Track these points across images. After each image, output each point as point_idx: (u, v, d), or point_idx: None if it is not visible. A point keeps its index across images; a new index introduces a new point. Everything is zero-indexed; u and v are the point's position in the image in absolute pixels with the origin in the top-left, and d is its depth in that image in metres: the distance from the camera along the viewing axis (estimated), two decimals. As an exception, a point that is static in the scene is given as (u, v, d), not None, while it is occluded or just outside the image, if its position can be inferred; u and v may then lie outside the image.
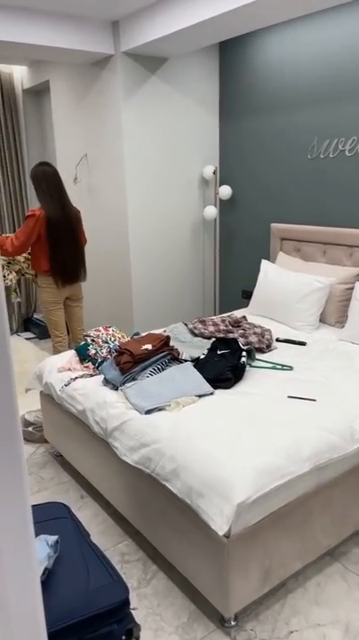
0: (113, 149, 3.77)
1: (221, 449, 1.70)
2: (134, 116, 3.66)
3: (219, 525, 1.51)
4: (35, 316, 5.16)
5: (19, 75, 4.75)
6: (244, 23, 2.92)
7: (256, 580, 1.71)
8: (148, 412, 1.99)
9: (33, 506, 1.89)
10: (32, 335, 5.00)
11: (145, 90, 3.66)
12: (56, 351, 3.36)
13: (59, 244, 3.15)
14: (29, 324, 5.10)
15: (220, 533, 1.50)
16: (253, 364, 2.47)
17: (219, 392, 2.17)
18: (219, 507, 1.54)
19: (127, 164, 3.70)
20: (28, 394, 3.39)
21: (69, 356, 2.62)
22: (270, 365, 2.45)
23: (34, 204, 4.92)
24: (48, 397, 2.63)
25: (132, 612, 1.52)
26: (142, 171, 3.79)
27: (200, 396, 2.11)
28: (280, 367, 2.44)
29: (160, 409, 2.02)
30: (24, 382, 3.62)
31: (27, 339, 4.90)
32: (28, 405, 3.34)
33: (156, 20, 3.13)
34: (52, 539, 1.55)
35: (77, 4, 3.08)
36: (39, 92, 4.88)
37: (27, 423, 2.98)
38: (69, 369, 2.50)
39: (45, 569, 1.46)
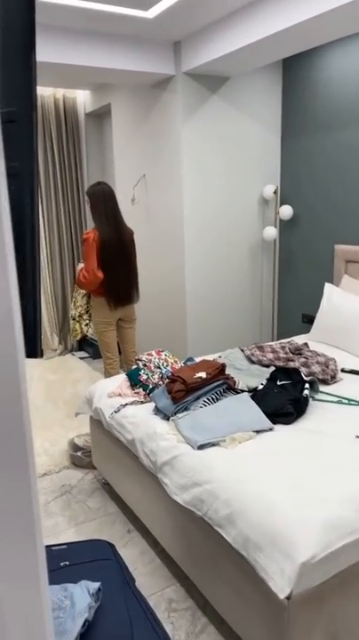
0: (171, 170, 3.72)
1: (282, 495, 1.52)
2: (194, 137, 3.59)
3: (281, 587, 1.33)
4: (89, 335, 5.15)
5: (82, 99, 4.84)
6: (308, 39, 2.79)
7: (319, 647, 1.50)
8: (201, 447, 1.84)
9: (76, 542, 1.77)
10: (86, 355, 4.99)
11: (205, 110, 3.60)
12: (107, 373, 3.28)
13: (114, 266, 3.09)
14: (84, 343, 5.10)
15: (281, 596, 1.32)
16: (317, 397, 2.27)
17: (278, 428, 1.99)
18: (279, 565, 1.36)
19: (185, 184, 3.63)
20: (79, 417, 3.33)
21: (120, 380, 2.53)
22: (336, 399, 2.24)
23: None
24: (97, 423, 2.54)
25: None
26: (200, 191, 3.70)
27: (258, 432, 1.93)
28: (346, 401, 2.22)
29: (214, 444, 1.86)
30: (75, 403, 3.58)
31: (80, 358, 4.89)
32: (78, 429, 3.28)
33: (218, 39, 3.06)
34: (94, 586, 1.42)
35: (140, 26, 3.08)
36: (100, 116, 4.95)
37: (76, 448, 2.91)
38: (120, 394, 2.40)
39: (86, 621, 1.33)
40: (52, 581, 1.49)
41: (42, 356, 0.76)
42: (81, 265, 3.22)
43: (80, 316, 3.37)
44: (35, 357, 0.78)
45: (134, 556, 2.17)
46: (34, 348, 0.77)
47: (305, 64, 3.65)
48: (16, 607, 0.48)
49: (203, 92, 3.57)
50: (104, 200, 3.07)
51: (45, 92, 4.59)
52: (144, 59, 3.38)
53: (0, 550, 0.46)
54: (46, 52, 3.08)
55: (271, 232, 3.85)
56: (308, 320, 3.90)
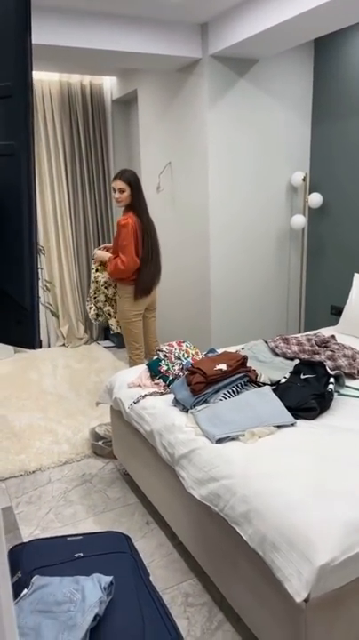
0: (197, 156, 3.64)
1: (302, 494, 1.46)
2: (220, 122, 3.50)
3: (296, 590, 1.27)
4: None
5: (109, 85, 4.80)
6: (342, 17, 2.66)
7: (339, 652, 1.44)
8: (220, 440, 1.79)
9: (91, 534, 1.76)
10: (111, 344, 4.99)
11: (232, 94, 3.50)
12: (133, 364, 3.26)
13: (150, 252, 3.11)
14: (109, 332, 5.10)
15: (297, 600, 1.27)
16: (342, 391, 2.18)
17: (301, 423, 1.92)
18: (296, 566, 1.30)
19: (211, 171, 3.55)
20: (101, 406, 3.33)
21: (140, 371, 2.49)
22: (362, 394, 2.15)
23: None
24: (118, 413, 2.52)
25: None
26: (227, 178, 3.62)
27: (279, 427, 1.87)
28: (374, 397, 2.13)
29: (233, 438, 1.81)
30: (99, 393, 3.57)
31: (105, 347, 4.89)
32: (100, 418, 3.28)
33: (247, 19, 2.95)
34: (106, 580, 1.40)
35: (166, 8, 3.00)
36: (127, 102, 4.89)
37: (97, 437, 2.90)
38: (139, 385, 2.37)
39: (96, 615, 1.30)
40: (65, 573, 1.47)
41: (40, 346, 0.71)
42: (104, 253, 3.19)
43: (101, 308, 3.33)
44: (33, 348, 0.75)
45: (152, 548, 2.15)
46: (32, 338, 0.74)
47: (338, 44, 3.50)
48: None
49: (231, 76, 3.46)
50: (140, 186, 3.07)
51: (72, 79, 4.56)
52: (170, 42, 3.30)
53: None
54: (72, 36, 3.04)
55: (299, 220, 3.74)
56: (337, 312, 3.78)
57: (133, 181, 3.04)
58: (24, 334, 0.73)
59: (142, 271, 3.08)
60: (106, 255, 3.18)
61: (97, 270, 3.29)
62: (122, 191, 3.03)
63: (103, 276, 3.27)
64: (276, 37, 2.99)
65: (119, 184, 3.02)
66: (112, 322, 3.31)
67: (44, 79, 4.47)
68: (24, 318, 0.73)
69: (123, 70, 4.47)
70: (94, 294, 3.33)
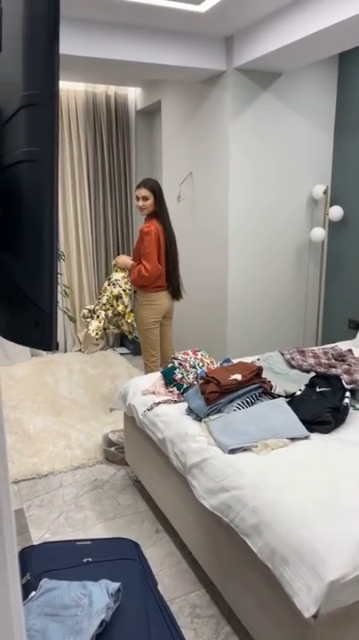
0: (219, 167, 3.66)
1: (314, 509, 1.44)
2: (242, 134, 3.52)
3: (305, 605, 1.26)
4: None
5: (133, 96, 4.86)
6: (369, 29, 2.66)
7: (347, 672, 1.41)
8: (232, 451, 1.79)
9: (101, 539, 1.76)
10: (126, 351, 5.02)
11: (255, 107, 3.52)
12: (149, 370, 3.27)
13: (173, 259, 3.20)
14: (124, 339, 5.13)
15: (306, 615, 1.25)
16: (358, 406, 2.16)
17: (315, 436, 1.90)
18: (306, 581, 1.28)
19: (232, 182, 3.56)
20: (114, 412, 3.34)
21: (154, 378, 2.50)
22: (378, 410, 2.12)
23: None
24: (131, 419, 2.52)
25: None
26: (247, 190, 3.63)
27: (293, 439, 1.86)
28: (390, 413, 2.10)
29: (245, 449, 1.80)
30: (113, 399, 3.59)
31: (121, 354, 4.92)
32: (114, 424, 3.29)
33: (272, 33, 2.98)
34: (114, 586, 1.40)
35: (192, 21, 3.04)
36: (151, 113, 4.95)
37: (110, 443, 2.91)
38: (154, 392, 2.37)
39: (103, 621, 1.30)
40: (73, 577, 1.47)
41: (57, 348, 0.72)
42: (127, 260, 3.21)
43: (121, 314, 3.31)
44: (50, 350, 0.76)
45: (161, 556, 2.14)
46: (49, 340, 0.75)
47: (362, 59, 3.50)
48: None
49: (254, 89, 3.49)
50: (163, 195, 3.16)
51: (97, 90, 4.64)
52: (195, 54, 3.34)
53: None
54: (99, 47, 3.10)
55: (319, 233, 3.72)
56: (355, 326, 3.75)
57: (157, 190, 3.11)
58: (41, 336, 0.75)
59: (168, 277, 3.19)
60: (129, 261, 3.21)
61: (116, 271, 3.28)
62: (145, 199, 3.09)
63: (116, 275, 3.24)
64: (301, 51, 3.01)
65: (143, 192, 3.08)
66: (93, 324, 3.24)
67: (70, 89, 4.56)
68: (42, 320, 0.74)
69: (147, 81, 4.53)
70: (106, 303, 3.28)
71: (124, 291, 3.22)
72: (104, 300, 3.25)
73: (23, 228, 0.72)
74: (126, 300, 3.24)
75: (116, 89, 4.73)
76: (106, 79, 4.41)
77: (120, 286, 3.22)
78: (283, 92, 3.59)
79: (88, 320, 3.30)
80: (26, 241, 0.72)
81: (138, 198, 3.12)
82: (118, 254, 5.02)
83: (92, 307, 3.31)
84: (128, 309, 3.26)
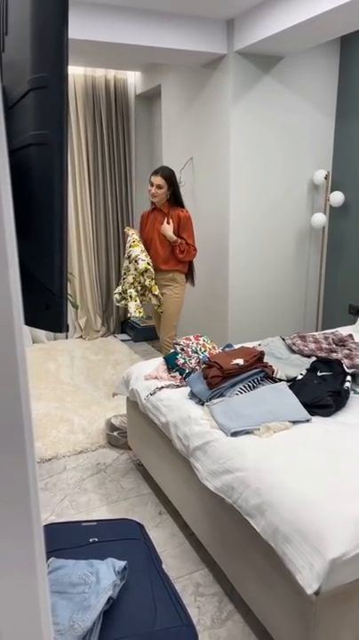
0: (219, 153, 3.64)
1: (316, 489, 1.47)
2: (243, 119, 3.50)
3: (308, 582, 1.29)
4: (131, 318, 5.19)
5: (133, 80, 4.82)
6: (372, 11, 2.64)
7: (347, 647, 1.45)
8: (235, 434, 1.81)
9: (106, 520, 1.79)
10: (127, 337, 5.03)
11: (256, 90, 3.49)
12: (167, 349, 3.39)
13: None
14: (126, 325, 5.15)
15: (308, 592, 1.28)
16: (358, 390, 2.18)
17: (316, 419, 1.93)
18: (308, 559, 1.31)
19: (233, 167, 3.55)
20: (117, 397, 3.37)
21: (157, 363, 2.52)
22: (379, 394, 2.15)
23: (139, 207, 4.97)
24: (134, 404, 2.55)
25: (200, 661, 1.35)
26: (248, 175, 3.61)
27: (294, 422, 1.88)
28: (390, 397, 2.13)
29: (248, 432, 1.83)
30: (115, 385, 3.61)
31: (122, 340, 4.94)
32: (116, 409, 3.32)
33: (273, 15, 2.95)
34: (120, 564, 1.43)
35: (193, 3, 3.00)
36: (150, 97, 4.91)
37: (112, 427, 2.94)
38: (156, 377, 2.40)
39: (110, 598, 1.34)
40: (80, 557, 1.51)
41: (67, 330, 0.74)
42: (170, 236, 3.28)
43: (149, 288, 3.32)
44: (60, 332, 0.77)
45: (164, 537, 2.18)
46: (59, 322, 0.76)
47: (364, 42, 3.46)
48: (9, 605, 0.44)
49: (255, 72, 3.46)
50: (177, 183, 3.33)
51: (97, 74, 4.60)
52: (196, 37, 3.31)
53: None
54: (99, 30, 3.06)
55: (320, 219, 3.72)
56: (355, 311, 3.76)
57: (173, 180, 3.26)
58: (52, 318, 0.76)
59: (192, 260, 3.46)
60: (173, 235, 3.27)
61: (131, 246, 3.29)
62: (159, 187, 3.22)
63: (134, 250, 3.26)
64: (303, 34, 2.98)
65: (158, 180, 3.18)
66: (132, 305, 3.27)
67: (69, 73, 4.51)
68: (52, 303, 0.75)
69: (147, 65, 4.49)
70: (124, 275, 3.34)
71: (149, 264, 3.26)
72: (130, 278, 3.29)
73: (33, 212, 0.73)
74: (153, 272, 3.29)
75: (116, 73, 4.68)
76: (105, 63, 4.36)
77: (142, 260, 3.24)
78: (284, 75, 3.56)
79: (124, 303, 3.33)
80: (36, 224, 0.73)
81: (152, 184, 3.23)
82: (119, 243, 5.02)
83: (121, 288, 3.34)
84: (153, 282, 3.30)
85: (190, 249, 3.34)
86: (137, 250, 3.25)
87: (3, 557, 0.42)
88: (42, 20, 0.67)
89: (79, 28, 3.03)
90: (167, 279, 3.41)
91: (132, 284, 3.29)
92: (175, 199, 3.32)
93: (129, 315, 3.49)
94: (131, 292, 3.29)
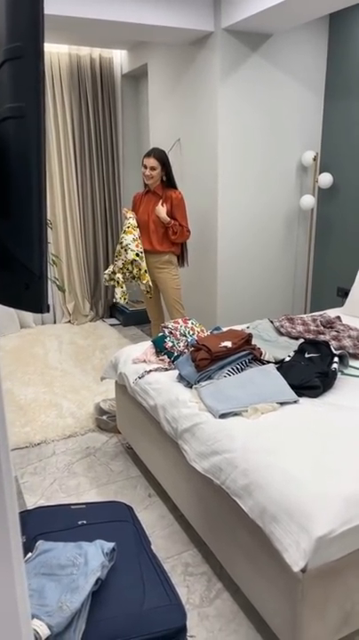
0: (207, 133, 3.60)
1: (303, 469, 1.48)
2: (231, 98, 3.45)
3: (294, 560, 1.30)
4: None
5: (119, 59, 4.72)
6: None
7: (334, 622, 1.48)
8: (223, 415, 1.81)
9: (95, 503, 1.79)
10: (116, 322, 5.01)
11: (244, 69, 3.44)
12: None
13: None
14: (114, 310, 5.12)
15: (295, 569, 1.30)
16: (346, 371, 2.19)
17: (303, 401, 1.93)
18: (295, 537, 1.33)
19: (221, 148, 3.51)
20: (105, 381, 3.36)
21: (145, 347, 2.51)
22: (366, 375, 2.16)
23: (127, 188, 4.91)
24: (122, 388, 2.55)
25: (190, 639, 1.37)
26: (236, 156, 3.58)
27: (282, 404, 1.89)
28: (377, 378, 2.14)
29: (236, 414, 1.83)
30: (103, 369, 3.61)
31: (111, 325, 4.92)
32: (105, 393, 3.31)
33: (261, -9, 2.88)
34: (109, 546, 1.44)
35: (178, -23, 2.93)
36: (137, 77, 4.82)
37: (101, 411, 2.94)
38: (144, 361, 2.39)
39: (98, 579, 1.34)
40: (68, 539, 1.51)
41: (48, 310, 0.72)
42: (163, 211, 3.27)
43: (136, 277, 3.32)
44: (41, 312, 0.76)
45: (153, 519, 2.19)
46: (40, 302, 0.75)
47: (354, 19, 3.41)
48: None
49: (243, 50, 3.40)
50: (170, 165, 3.34)
51: (82, 52, 4.49)
52: (183, 14, 3.23)
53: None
54: (82, 7, 2.98)
55: (309, 201, 3.70)
56: (343, 294, 3.77)
57: (166, 161, 3.27)
58: (32, 299, 0.74)
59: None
60: (167, 217, 3.28)
61: (125, 232, 3.27)
62: (153, 169, 3.23)
63: (126, 238, 3.24)
64: (292, 11, 2.93)
65: (152, 162, 3.20)
66: (118, 291, 3.29)
67: (53, 51, 4.40)
68: (33, 283, 0.73)
69: (133, 43, 4.39)
70: (115, 258, 3.33)
71: (137, 255, 3.24)
72: (120, 263, 3.30)
73: (11, 188, 0.71)
74: (141, 263, 3.26)
75: (101, 51, 4.58)
76: (90, 41, 4.26)
77: (132, 250, 3.23)
78: (272, 54, 3.50)
79: (111, 284, 3.35)
80: (14, 201, 0.71)
81: (146, 167, 3.27)
82: (106, 226, 4.96)
83: (111, 269, 3.34)
84: (142, 271, 3.29)
85: (184, 230, 3.35)
86: (129, 238, 3.23)
87: None
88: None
89: (63, 3, 2.95)
90: (163, 261, 3.43)
91: (121, 269, 3.28)
92: (168, 180, 3.33)
93: (114, 299, 3.48)
94: (119, 276, 3.28)
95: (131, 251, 3.21)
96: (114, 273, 3.31)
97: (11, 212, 0.72)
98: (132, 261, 3.23)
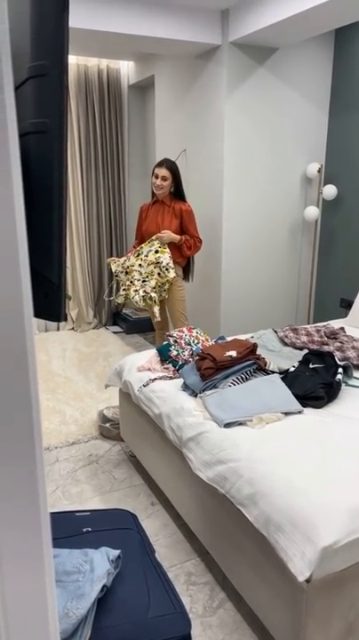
0: (213, 144, 3.64)
1: (308, 479, 1.49)
2: (237, 110, 3.49)
3: (299, 569, 1.31)
4: (124, 310, 5.19)
5: (126, 70, 4.78)
6: (367, 4, 2.64)
7: (337, 633, 1.48)
8: (228, 425, 1.83)
9: (99, 510, 1.80)
10: (119, 330, 5.03)
11: (250, 82, 3.48)
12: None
13: None
14: (118, 318, 5.14)
15: (300, 579, 1.30)
16: (350, 382, 2.21)
17: (308, 411, 1.95)
18: (300, 547, 1.33)
19: (226, 159, 3.54)
20: (109, 389, 3.37)
21: (150, 355, 2.53)
22: (370, 386, 2.17)
23: (132, 198, 4.95)
24: (126, 396, 2.56)
25: (193, 648, 1.37)
26: (241, 167, 3.61)
27: (286, 414, 1.90)
28: (381, 389, 2.15)
29: (241, 423, 1.84)
30: (107, 376, 3.62)
31: (114, 332, 4.93)
32: (108, 401, 3.32)
33: (269, 6, 2.93)
34: (114, 553, 1.44)
35: (187, -8, 2.98)
36: (143, 88, 4.88)
37: (105, 419, 2.95)
38: (149, 369, 2.40)
39: (104, 586, 1.35)
40: (74, 546, 1.51)
41: (65, 319, 0.74)
42: (172, 235, 3.26)
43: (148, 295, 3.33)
44: (59, 321, 0.78)
45: (156, 528, 2.19)
46: (57, 311, 0.77)
47: (359, 35, 3.46)
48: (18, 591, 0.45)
49: (249, 64, 3.45)
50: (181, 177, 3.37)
51: (89, 63, 4.55)
52: (190, 27, 3.28)
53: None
54: (91, 19, 3.03)
55: (313, 212, 3.73)
56: (346, 305, 3.79)
57: (176, 172, 3.27)
58: (51, 307, 0.76)
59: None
60: (176, 236, 3.28)
61: (157, 252, 3.27)
62: (164, 179, 3.24)
63: (164, 257, 3.25)
64: (298, 26, 2.97)
65: (164, 172, 3.22)
66: (156, 309, 3.31)
67: (62, 62, 4.45)
68: (51, 292, 0.75)
69: (140, 55, 4.45)
70: (144, 277, 3.30)
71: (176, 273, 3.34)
72: (153, 283, 3.31)
73: (32, 201, 0.73)
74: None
75: (109, 62, 4.64)
76: (98, 52, 4.32)
77: (172, 268, 3.28)
78: (278, 67, 3.55)
79: (147, 304, 3.36)
80: (35, 214, 0.73)
81: (157, 176, 3.24)
82: (111, 234, 4.99)
83: (140, 291, 3.33)
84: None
85: (196, 242, 3.38)
86: (166, 257, 3.24)
87: (12, 548, 0.43)
88: (42, 6, 0.67)
89: (72, 16, 3.00)
90: (178, 274, 3.42)
91: (155, 288, 3.29)
92: (177, 192, 3.33)
93: (155, 318, 3.43)
94: (154, 296, 3.30)
95: (172, 269, 3.26)
96: (146, 293, 3.31)
97: (32, 223, 0.74)
98: (168, 281, 3.28)
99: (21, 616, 0.44)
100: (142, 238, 3.45)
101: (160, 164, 3.24)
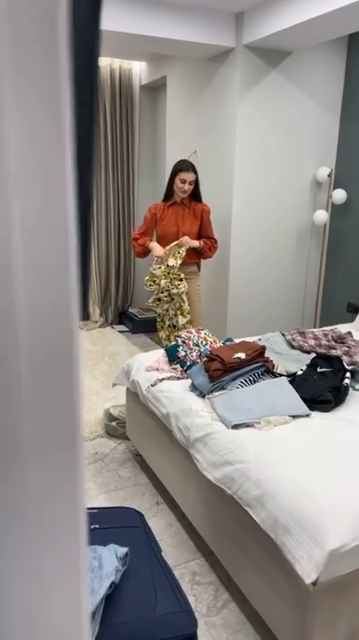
0: (224, 146, 3.65)
1: (316, 482, 1.50)
2: (249, 113, 3.50)
3: (306, 572, 1.32)
4: (130, 309, 5.20)
5: (138, 71, 4.79)
6: (382, 10, 2.64)
7: (342, 635, 1.49)
8: (235, 426, 1.84)
9: (106, 508, 1.82)
10: (125, 329, 5.04)
11: (263, 86, 3.49)
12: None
13: None
14: (124, 317, 5.16)
15: (307, 581, 1.31)
16: (358, 387, 2.21)
17: (315, 414, 1.95)
18: (307, 550, 1.34)
19: (237, 161, 3.55)
20: (115, 387, 3.38)
21: (158, 355, 2.54)
22: (377, 391, 2.18)
23: (141, 198, 4.96)
24: (134, 395, 2.57)
25: (199, 647, 1.38)
26: (251, 170, 3.62)
27: (294, 417, 1.91)
28: (388, 394, 2.16)
29: (248, 425, 1.85)
30: (113, 375, 3.63)
31: (120, 331, 4.95)
32: (114, 399, 3.34)
33: (284, 11, 2.94)
34: (122, 550, 1.45)
35: (202, -6, 2.99)
36: (155, 89, 4.89)
37: (111, 417, 2.96)
38: (157, 369, 2.42)
39: (112, 583, 1.36)
40: (82, 542, 1.53)
41: (88, 318, 0.75)
42: (192, 241, 3.27)
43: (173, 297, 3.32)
44: (82, 320, 0.79)
45: (161, 527, 2.20)
46: (81, 310, 0.78)
47: (372, 40, 3.47)
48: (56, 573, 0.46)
49: (263, 67, 3.46)
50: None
51: (102, 62, 4.57)
52: (204, 29, 3.30)
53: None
54: (105, 20, 3.05)
55: (322, 216, 3.74)
56: (354, 309, 3.79)
57: (197, 174, 3.27)
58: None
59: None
60: (195, 242, 3.30)
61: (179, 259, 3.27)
62: (191, 184, 3.23)
63: (177, 263, 3.25)
64: (313, 30, 2.98)
65: (192, 176, 3.21)
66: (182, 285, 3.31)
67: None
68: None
69: (153, 56, 4.47)
70: (171, 285, 3.27)
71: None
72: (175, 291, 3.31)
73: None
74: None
75: (121, 62, 4.66)
76: (111, 52, 4.34)
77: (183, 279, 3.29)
78: (291, 71, 3.56)
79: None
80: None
81: (184, 181, 3.19)
82: (119, 234, 5.01)
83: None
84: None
85: (213, 243, 3.41)
86: (182, 287, 3.26)
87: (54, 550, 0.44)
88: (74, 18, 0.68)
89: (88, 16, 3.01)
90: (189, 272, 3.40)
91: (174, 297, 3.32)
92: (195, 193, 3.32)
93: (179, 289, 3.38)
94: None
95: (184, 287, 3.27)
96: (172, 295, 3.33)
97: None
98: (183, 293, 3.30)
99: (59, 598, 0.46)
100: (164, 240, 3.38)
101: (187, 168, 3.17)
